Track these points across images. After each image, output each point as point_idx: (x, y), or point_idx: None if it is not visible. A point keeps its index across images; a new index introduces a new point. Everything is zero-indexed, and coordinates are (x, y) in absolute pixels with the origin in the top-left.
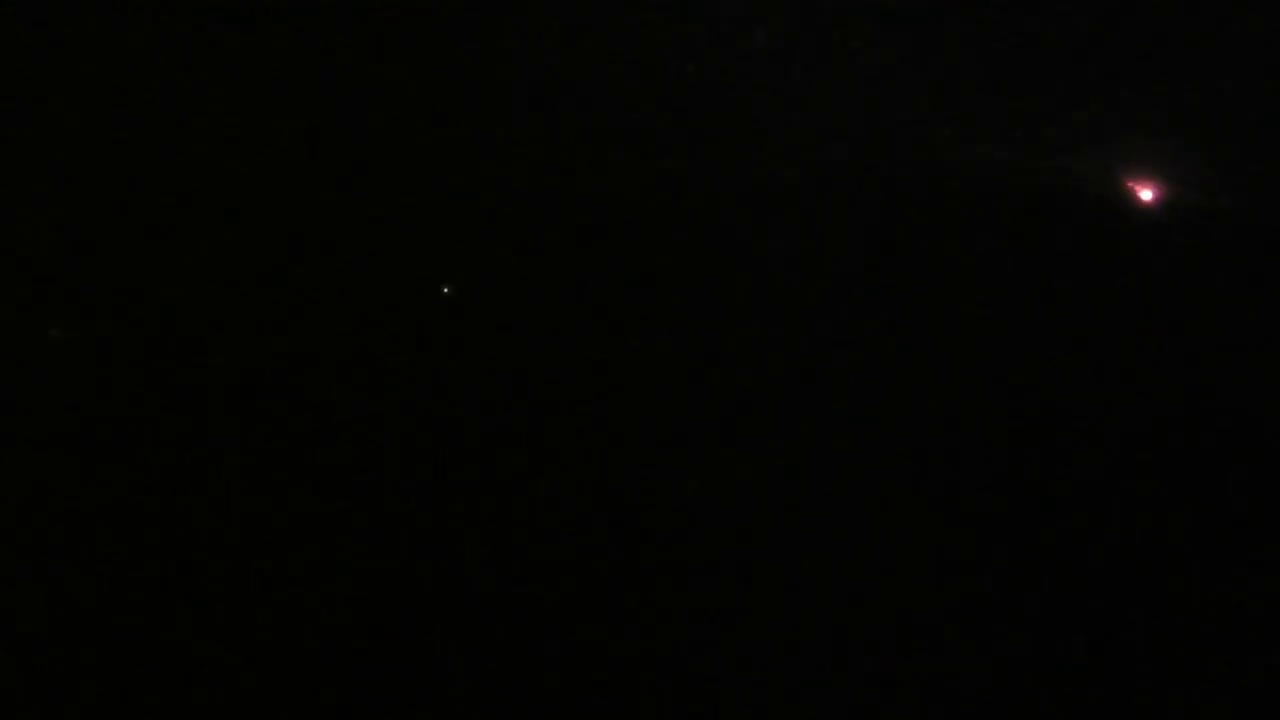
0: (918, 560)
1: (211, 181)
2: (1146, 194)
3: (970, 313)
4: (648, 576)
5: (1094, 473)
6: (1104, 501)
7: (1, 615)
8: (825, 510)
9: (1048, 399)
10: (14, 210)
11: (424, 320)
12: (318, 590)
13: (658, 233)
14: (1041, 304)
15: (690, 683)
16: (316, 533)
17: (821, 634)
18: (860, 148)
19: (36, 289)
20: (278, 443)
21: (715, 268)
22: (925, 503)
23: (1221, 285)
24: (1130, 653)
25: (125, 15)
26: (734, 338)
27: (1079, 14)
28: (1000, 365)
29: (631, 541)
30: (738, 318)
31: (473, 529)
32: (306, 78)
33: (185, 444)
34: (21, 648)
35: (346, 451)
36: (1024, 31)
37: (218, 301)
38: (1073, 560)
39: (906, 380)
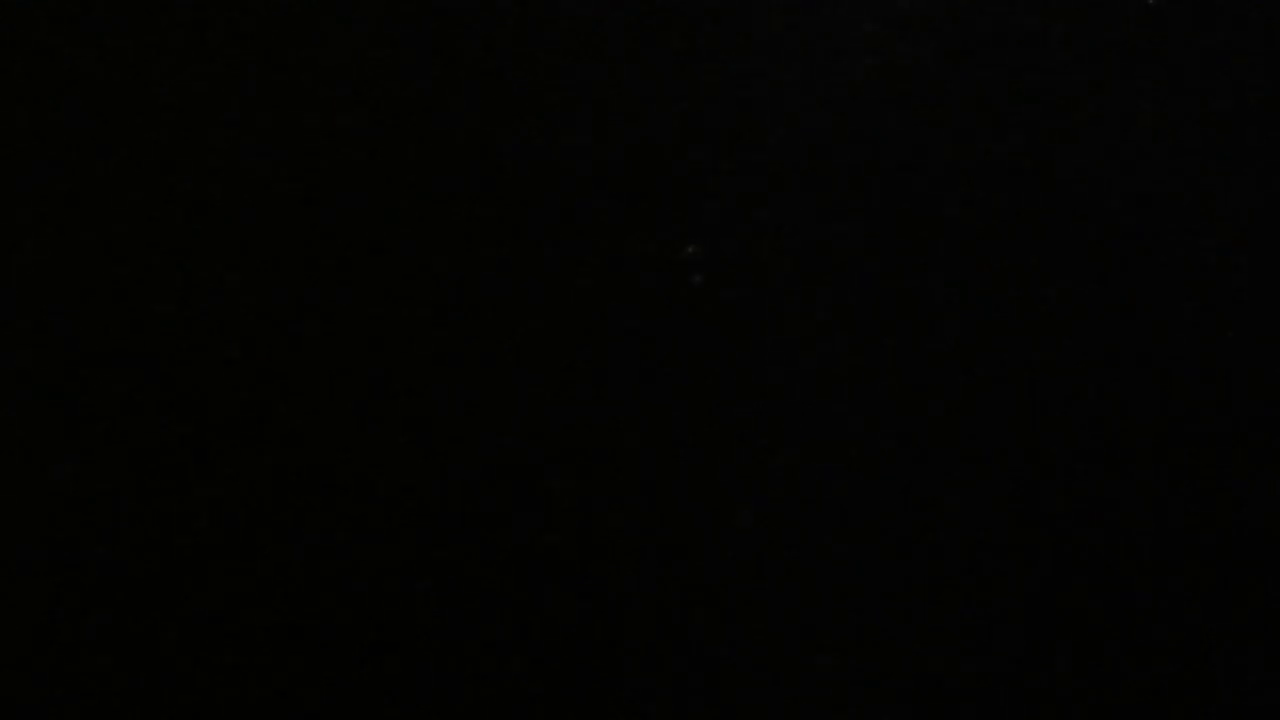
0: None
1: (217, 180)
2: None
3: (972, 311)
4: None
5: (1099, 473)
6: (1107, 503)
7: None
8: (828, 509)
9: (1050, 399)
10: (13, 211)
11: (425, 322)
12: (319, 592)
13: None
14: (1045, 303)
15: (692, 684)
16: (318, 535)
17: (824, 636)
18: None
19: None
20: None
21: (715, 266)
22: (928, 503)
23: (1224, 284)
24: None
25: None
26: (733, 338)
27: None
28: (1002, 364)
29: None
30: (739, 318)
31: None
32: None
33: (186, 446)
34: (20, 648)
35: (350, 455)
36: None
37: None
38: (1076, 561)
39: (908, 380)
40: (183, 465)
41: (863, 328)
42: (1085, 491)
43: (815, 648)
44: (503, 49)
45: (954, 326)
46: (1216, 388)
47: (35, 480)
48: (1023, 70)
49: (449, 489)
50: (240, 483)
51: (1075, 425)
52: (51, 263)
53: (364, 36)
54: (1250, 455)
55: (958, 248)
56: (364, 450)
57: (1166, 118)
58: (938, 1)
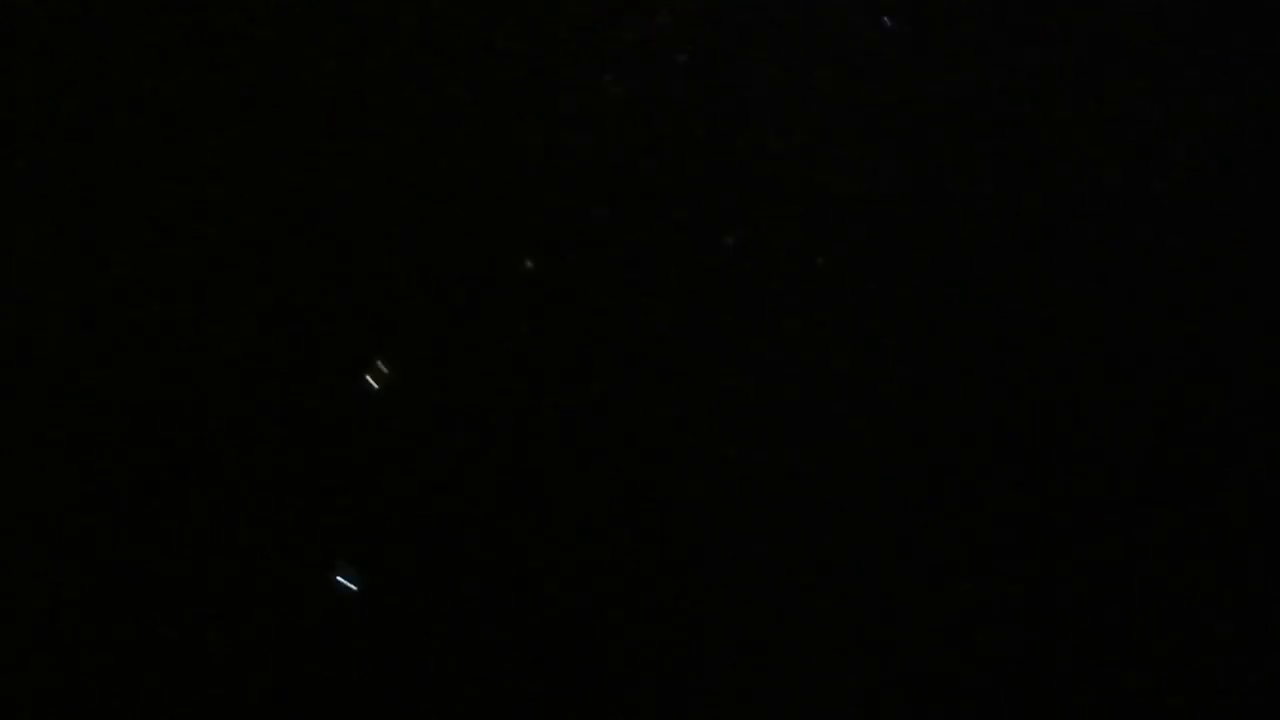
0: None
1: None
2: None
3: (972, 311)
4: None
5: (1098, 472)
6: (1106, 501)
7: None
8: (826, 507)
9: (1050, 399)
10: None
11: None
12: (318, 593)
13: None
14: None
15: (690, 684)
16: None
17: (823, 636)
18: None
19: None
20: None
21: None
22: (929, 500)
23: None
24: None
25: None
26: (734, 337)
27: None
28: (1002, 364)
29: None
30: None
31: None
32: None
33: (185, 442)
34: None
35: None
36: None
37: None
38: (1079, 561)
39: (908, 380)
40: (182, 464)
41: (863, 327)
42: (1084, 491)
43: (814, 647)
44: (503, 49)
45: (954, 326)
46: (1216, 387)
47: (35, 480)
48: (1023, 70)
49: (447, 488)
50: (239, 482)
51: (1075, 425)
52: (51, 263)
53: (364, 36)
54: (1250, 454)
55: (958, 247)
56: (363, 449)
57: (1166, 118)
58: (938, 2)
